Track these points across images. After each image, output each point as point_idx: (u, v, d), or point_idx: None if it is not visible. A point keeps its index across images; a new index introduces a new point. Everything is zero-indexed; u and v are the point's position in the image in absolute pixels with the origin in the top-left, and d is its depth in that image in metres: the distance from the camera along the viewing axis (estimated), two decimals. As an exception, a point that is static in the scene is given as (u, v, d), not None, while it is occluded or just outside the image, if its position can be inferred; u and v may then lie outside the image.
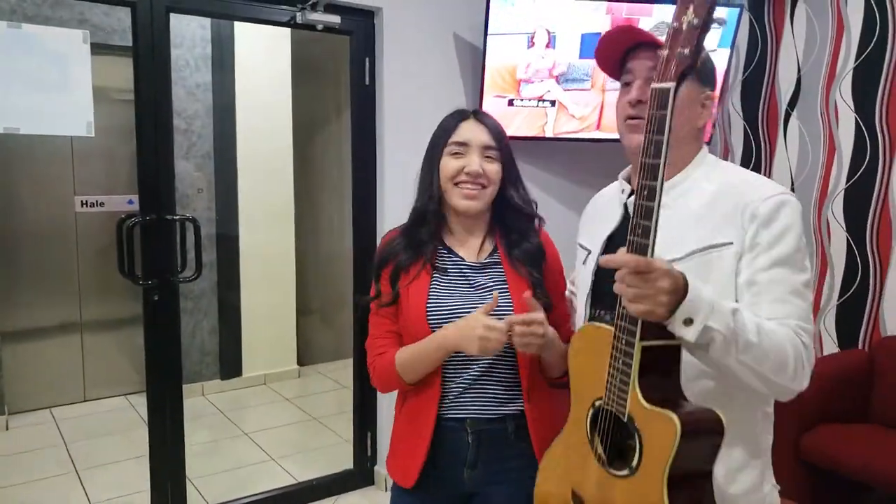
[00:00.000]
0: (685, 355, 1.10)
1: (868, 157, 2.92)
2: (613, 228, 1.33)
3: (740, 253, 1.15)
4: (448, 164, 1.47)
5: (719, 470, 1.16)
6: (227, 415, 4.09)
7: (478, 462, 1.46)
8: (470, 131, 1.47)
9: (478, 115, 1.51)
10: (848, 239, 3.00)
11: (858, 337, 2.98)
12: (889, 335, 2.87)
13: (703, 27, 0.95)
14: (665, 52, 1.00)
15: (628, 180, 1.36)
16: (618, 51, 1.28)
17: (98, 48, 2.69)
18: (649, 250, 1.00)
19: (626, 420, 1.07)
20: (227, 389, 4.42)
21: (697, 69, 1.18)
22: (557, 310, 1.48)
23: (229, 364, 4.43)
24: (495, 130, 1.49)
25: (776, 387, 1.12)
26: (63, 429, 3.82)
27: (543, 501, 1.34)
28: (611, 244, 1.32)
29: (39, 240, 3.97)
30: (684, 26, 0.97)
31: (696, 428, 1.01)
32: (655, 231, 1.00)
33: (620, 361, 1.07)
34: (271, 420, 4.03)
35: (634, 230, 1.03)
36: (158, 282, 2.58)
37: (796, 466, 2.59)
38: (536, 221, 1.55)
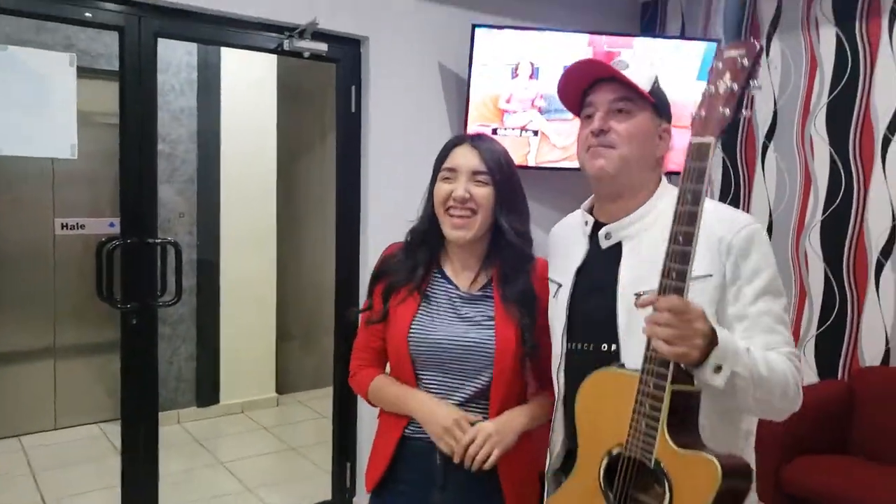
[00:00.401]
0: None
1: (843, 189, 2.98)
2: (581, 261, 1.35)
3: (722, 285, 1.19)
4: (439, 190, 1.47)
5: None
6: (202, 443, 4.01)
7: (447, 484, 1.44)
8: (461, 157, 1.46)
9: (474, 140, 1.49)
10: (825, 269, 3.05)
11: (837, 367, 3.02)
12: (868, 366, 2.90)
13: (743, 91, 1.02)
14: (702, 112, 1.05)
15: (590, 211, 1.39)
16: (580, 86, 1.33)
17: (83, 72, 2.69)
18: (685, 293, 1.03)
19: (652, 466, 1.05)
20: (204, 417, 4.33)
21: (654, 103, 1.28)
22: (545, 353, 1.45)
23: (206, 391, 4.36)
24: (489, 156, 1.45)
25: (776, 412, 1.17)
26: (32, 457, 3.71)
27: None
28: (580, 277, 1.34)
29: (16, 262, 3.90)
30: (721, 90, 1.03)
31: (733, 472, 1.01)
32: (690, 274, 1.03)
33: (647, 406, 1.06)
34: (248, 449, 3.95)
35: (668, 274, 1.05)
36: (137, 306, 2.55)
37: (777, 497, 2.59)
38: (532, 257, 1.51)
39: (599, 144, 1.27)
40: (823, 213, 3.05)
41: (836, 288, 3.01)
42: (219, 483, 3.49)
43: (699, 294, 1.16)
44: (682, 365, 1.05)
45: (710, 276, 1.19)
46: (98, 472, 3.51)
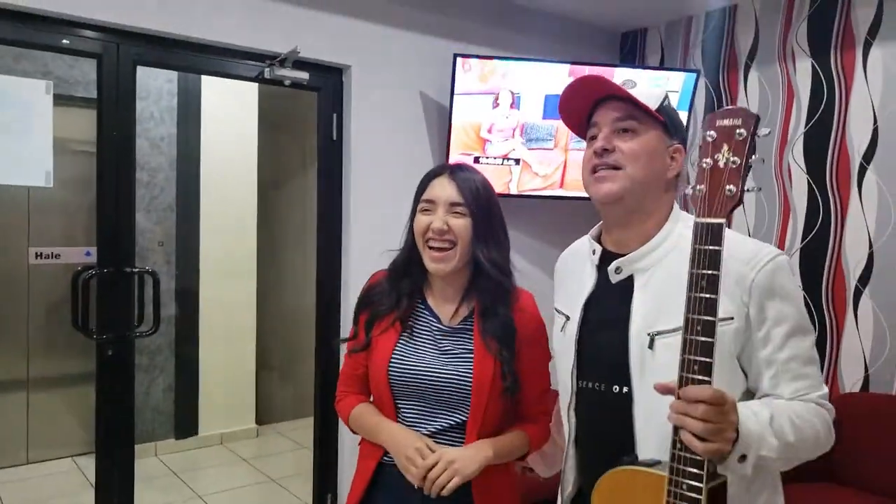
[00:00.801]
0: None
1: (821, 218, 3.02)
2: (589, 293, 1.29)
3: (742, 329, 1.14)
4: (419, 221, 1.47)
5: None
6: (180, 476, 3.92)
7: None
8: (439, 188, 1.46)
9: (453, 171, 1.48)
10: (805, 297, 3.07)
11: (818, 394, 3.02)
12: (847, 392, 2.91)
13: (746, 167, 0.99)
14: (704, 188, 1.01)
15: (598, 238, 1.33)
16: (584, 104, 1.28)
17: (60, 99, 2.67)
18: (712, 372, 0.97)
19: None
20: (182, 449, 4.25)
21: (664, 121, 1.22)
22: (528, 389, 1.44)
23: (185, 423, 4.27)
24: (468, 187, 1.44)
25: (812, 457, 1.15)
26: (4, 493, 3.60)
27: None
28: (589, 309, 1.29)
29: (-11, 292, 3.82)
30: (721, 164, 1.00)
31: None
32: (715, 356, 0.98)
33: None
34: (228, 482, 3.87)
35: (692, 327, 0.99)
36: (114, 336, 2.50)
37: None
38: (513, 289, 1.49)
39: (604, 165, 1.22)
40: (802, 241, 3.08)
41: (815, 315, 3.03)
42: (196, 517, 3.41)
43: (719, 338, 1.09)
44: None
45: (732, 318, 1.13)
46: (71, 507, 3.42)
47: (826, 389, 1.17)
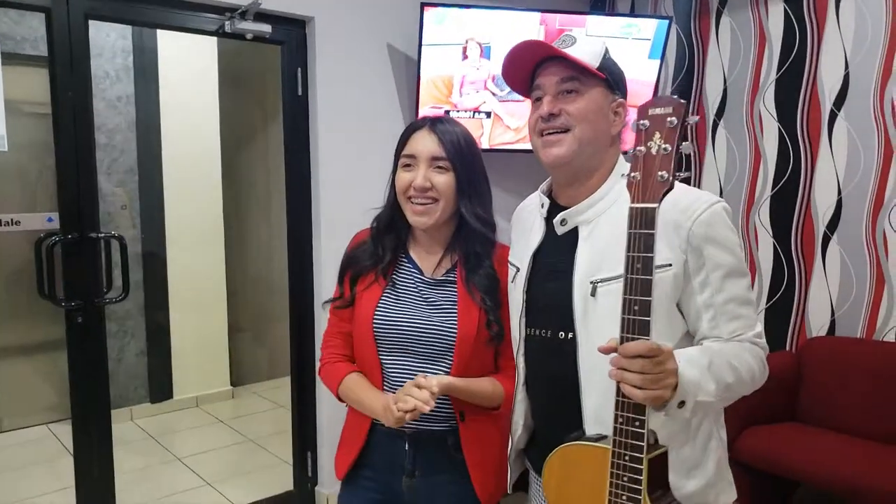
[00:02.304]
0: None
1: (791, 165, 3.04)
2: (537, 245, 1.33)
3: (681, 274, 1.18)
4: (400, 178, 1.45)
5: (673, 469, 1.17)
6: (158, 440, 3.91)
7: (415, 471, 1.46)
8: (419, 142, 1.44)
9: (434, 124, 1.45)
10: (774, 244, 3.11)
11: (786, 339, 3.10)
12: (814, 336, 2.99)
13: (677, 151, 1.03)
14: (637, 175, 1.04)
15: (548, 193, 1.37)
16: (525, 68, 1.30)
17: (8, 58, 2.53)
18: (650, 328, 1.02)
19: None
20: (158, 413, 4.23)
21: (605, 78, 1.24)
22: (508, 344, 1.45)
23: (159, 387, 4.25)
24: (449, 140, 1.43)
25: (747, 393, 1.19)
26: (-22, 462, 3.57)
27: None
28: (537, 261, 1.33)
29: (-53, 261, 3.71)
30: (654, 151, 1.03)
31: None
32: (653, 307, 1.02)
33: (625, 479, 1.06)
34: (205, 443, 3.87)
35: (629, 308, 1.04)
36: (82, 303, 2.45)
37: (732, 468, 2.65)
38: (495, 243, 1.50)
39: (552, 129, 1.25)
40: (773, 189, 3.11)
41: (784, 262, 3.08)
42: (177, 479, 3.41)
43: (658, 285, 1.14)
44: (646, 413, 1.04)
45: (670, 265, 1.17)
46: (51, 473, 3.40)
47: (760, 328, 1.22)
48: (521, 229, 1.43)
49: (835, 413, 2.77)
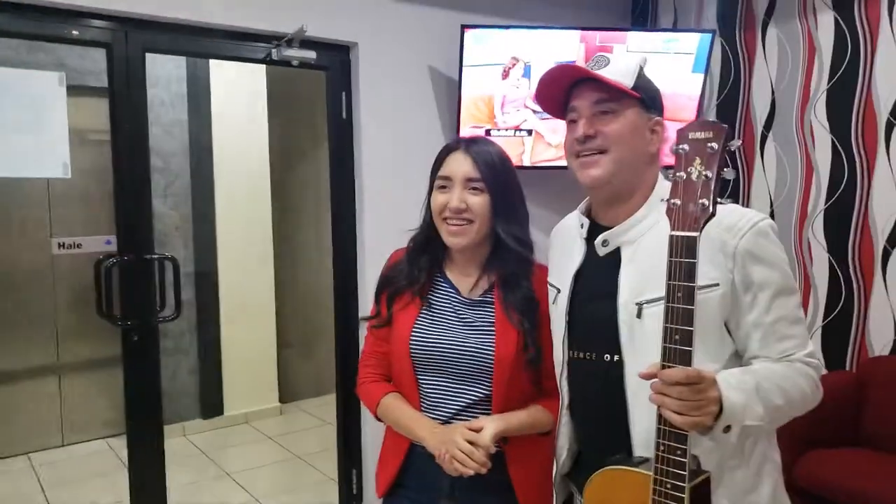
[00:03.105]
0: None
1: (846, 177, 2.94)
2: (578, 266, 1.32)
3: (728, 294, 1.15)
4: (436, 200, 1.46)
5: (725, 495, 1.16)
6: (208, 455, 4.00)
7: (454, 492, 1.44)
8: (455, 164, 1.44)
9: (468, 145, 1.46)
10: (830, 259, 3.00)
11: (846, 358, 2.97)
12: (876, 355, 2.86)
13: (717, 180, 1.01)
14: (678, 202, 1.04)
15: (588, 212, 1.35)
16: (559, 91, 1.29)
17: (74, 90, 2.68)
18: (691, 358, 1.00)
19: None
20: (209, 429, 4.34)
21: (641, 98, 1.23)
22: (548, 362, 1.43)
23: (210, 403, 4.36)
24: (484, 161, 1.42)
25: (800, 415, 1.17)
26: (41, 474, 3.72)
27: None
28: (578, 283, 1.31)
29: (16, 283, 3.90)
30: (694, 177, 1.02)
31: None
32: (695, 337, 1.01)
33: None
34: (254, 459, 3.95)
35: (671, 337, 1.02)
36: (138, 322, 2.54)
37: (791, 493, 2.55)
38: (533, 262, 1.49)
39: (588, 151, 1.24)
40: (826, 203, 3.01)
41: (841, 278, 2.97)
42: (227, 494, 3.48)
43: (705, 305, 1.13)
44: (688, 441, 1.03)
45: (717, 285, 1.15)
46: (107, 486, 3.51)
47: (812, 347, 1.19)
48: (561, 249, 1.41)
49: (899, 436, 2.64)
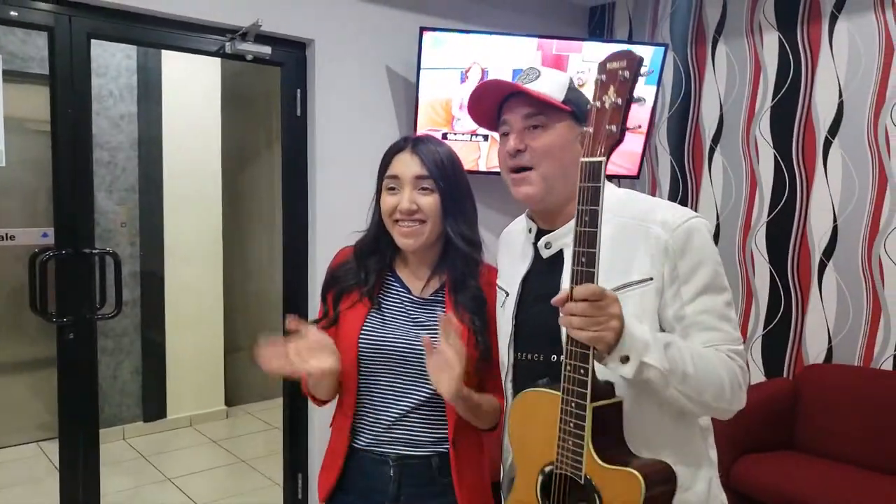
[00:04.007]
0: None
1: (787, 191, 3.04)
2: (526, 270, 1.33)
3: (661, 288, 1.17)
4: (385, 201, 1.43)
5: None
6: (149, 459, 3.87)
7: (400, 496, 1.42)
8: (402, 164, 1.42)
9: (416, 144, 1.44)
10: (771, 270, 3.10)
11: (783, 366, 3.08)
12: (812, 363, 2.97)
13: (627, 106, 1.03)
14: (590, 129, 1.05)
15: (534, 217, 1.36)
16: (492, 104, 1.31)
17: (12, 76, 2.57)
18: (595, 278, 1.03)
19: (583, 482, 1.07)
20: (151, 432, 4.20)
21: (573, 112, 1.25)
22: (495, 360, 1.42)
23: (153, 405, 4.22)
24: (431, 160, 1.40)
25: (716, 411, 1.16)
26: (-34, 480, 3.54)
27: None
28: (525, 286, 1.32)
29: (-56, 275, 3.72)
30: (607, 105, 1.04)
31: (654, 479, 1.04)
32: (598, 259, 1.04)
33: (571, 424, 1.07)
34: (197, 463, 3.84)
35: (578, 259, 1.05)
36: (74, 319, 2.44)
37: (727, 495, 2.62)
38: (482, 262, 1.48)
39: (518, 166, 1.25)
40: (769, 215, 3.11)
41: (781, 288, 3.07)
42: (166, 500, 3.38)
43: (639, 299, 1.16)
44: (595, 363, 1.06)
45: (651, 279, 1.16)
46: (37, 492, 3.38)
47: (742, 346, 1.19)
48: (509, 253, 1.42)
49: (832, 441, 2.73)
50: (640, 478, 1.01)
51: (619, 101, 1.02)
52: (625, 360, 1.05)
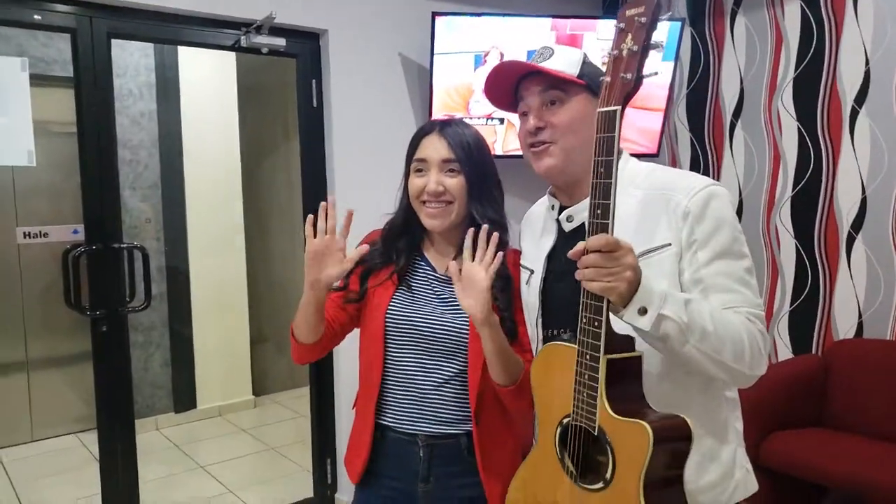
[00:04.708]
0: (646, 363, 1.13)
1: (812, 164, 2.99)
2: (552, 246, 1.34)
3: (679, 252, 1.16)
4: (413, 183, 1.46)
5: (690, 462, 1.16)
6: (182, 448, 3.97)
7: (430, 476, 1.45)
8: (430, 147, 1.44)
9: (444, 127, 1.46)
10: (797, 245, 3.05)
11: (811, 342, 3.03)
12: (841, 339, 2.92)
13: (643, 52, 1.02)
14: (607, 79, 1.04)
15: (556, 194, 1.37)
16: (508, 86, 1.32)
17: (39, 79, 2.63)
18: (609, 228, 1.03)
19: (596, 433, 1.07)
20: (182, 422, 4.30)
21: (588, 85, 1.26)
22: (523, 338, 1.44)
23: (183, 397, 4.32)
24: (458, 143, 1.42)
25: (736, 374, 1.12)
26: (10, 470, 3.66)
27: None
28: (551, 262, 1.33)
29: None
30: (624, 53, 1.02)
31: (666, 434, 1.03)
32: (614, 210, 1.03)
33: (586, 376, 1.08)
34: (228, 452, 3.92)
35: (593, 211, 1.05)
36: (106, 312, 2.52)
37: (756, 472, 2.60)
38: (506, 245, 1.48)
39: (540, 142, 1.26)
40: (793, 190, 3.05)
41: (807, 263, 3.02)
42: (200, 486, 3.46)
43: (658, 265, 1.16)
44: (612, 316, 1.05)
45: (669, 244, 1.16)
46: (78, 481, 3.47)
47: (762, 312, 1.16)
48: (532, 233, 1.43)
49: (862, 417, 2.69)
50: (649, 431, 1.00)
51: (636, 47, 1.01)
52: (642, 312, 1.04)
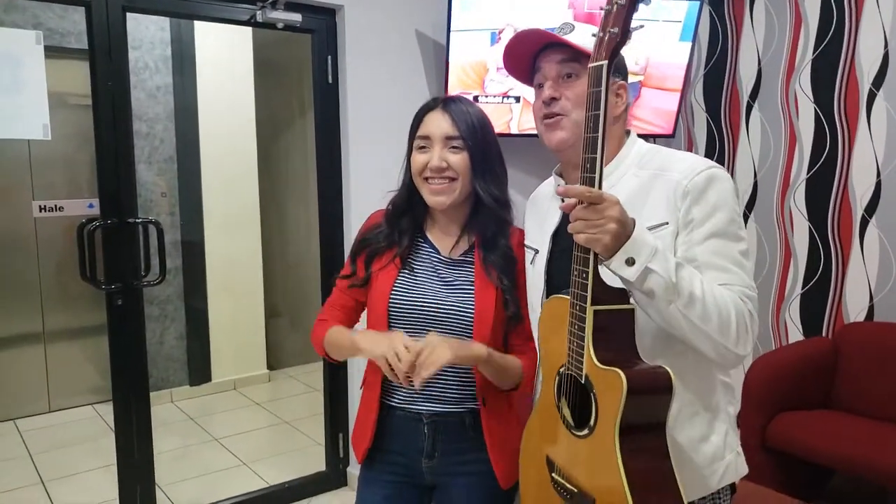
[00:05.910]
0: (638, 341, 1.13)
1: (828, 148, 2.97)
2: (556, 226, 1.34)
3: (676, 231, 1.17)
4: (415, 160, 1.45)
5: (682, 439, 1.20)
6: (196, 421, 4.02)
7: (435, 453, 1.47)
8: (433, 123, 1.43)
9: (447, 104, 1.45)
10: (810, 228, 3.05)
11: (822, 325, 3.04)
12: (852, 322, 2.92)
13: (630, 6, 1.02)
14: (599, 35, 1.05)
15: (562, 174, 1.38)
16: (527, 56, 1.32)
17: (54, 52, 2.63)
18: (597, 182, 1.05)
19: (583, 381, 1.10)
20: (197, 395, 4.35)
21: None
22: (527, 320, 1.45)
23: (198, 370, 4.37)
24: (462, 119, 1.42)
25: (720, 348, 1.12)
26: (28, 440, 3.72)
27: (525, 471, 1.36)
28: (556, 242, 1.33)
29: (-1, 246, 3.87)
30: (614, 8, 1.03)
31: (643, 383, 1.05)
32: (601, 165, 1.05)
33: (576, 326, 1.11)
34: (242, 425, 3.98)
35: (583, 165, 1.07)
36: (121, 286, 2.53)
37: (763, 453, 2.63)
38: (511, 223, 1.49)
39: (552, 113, 1.27)
40: (808, 172, 3.04)
41: (820, 246, 3.02)
42: (214, 459, 3.51)
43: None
44: (602, 268, 1.06)
45: (667, 223, 1.17)
46: (94, 451, 3.53)
47: (755, 294, 1.17)
48: (537, 214, 1.43)
49: (871, 400, 2.71)
50: (623, 378, 1.02)
51: (623, 0, 1.02)
52: (630, 262, 1.05)
